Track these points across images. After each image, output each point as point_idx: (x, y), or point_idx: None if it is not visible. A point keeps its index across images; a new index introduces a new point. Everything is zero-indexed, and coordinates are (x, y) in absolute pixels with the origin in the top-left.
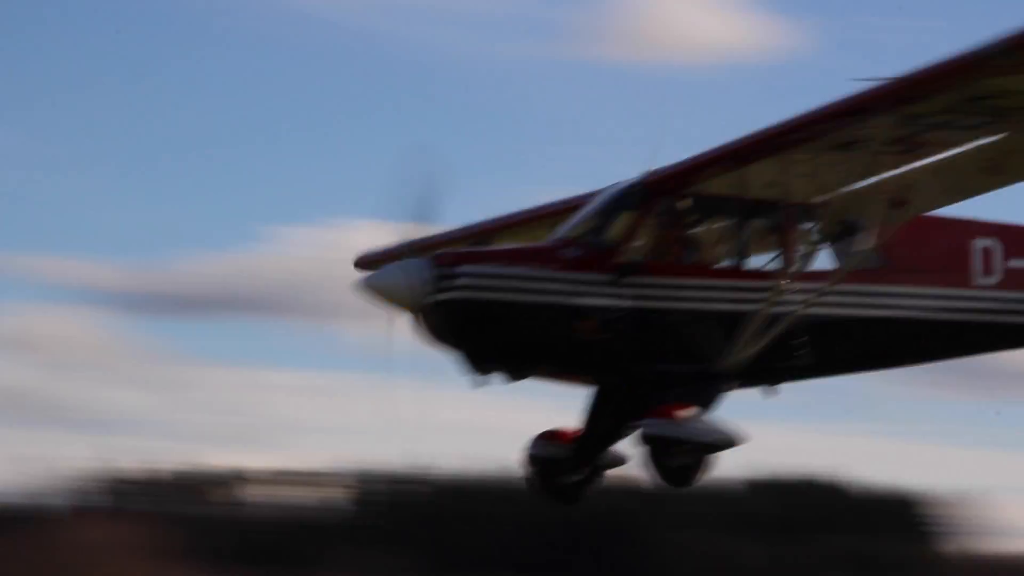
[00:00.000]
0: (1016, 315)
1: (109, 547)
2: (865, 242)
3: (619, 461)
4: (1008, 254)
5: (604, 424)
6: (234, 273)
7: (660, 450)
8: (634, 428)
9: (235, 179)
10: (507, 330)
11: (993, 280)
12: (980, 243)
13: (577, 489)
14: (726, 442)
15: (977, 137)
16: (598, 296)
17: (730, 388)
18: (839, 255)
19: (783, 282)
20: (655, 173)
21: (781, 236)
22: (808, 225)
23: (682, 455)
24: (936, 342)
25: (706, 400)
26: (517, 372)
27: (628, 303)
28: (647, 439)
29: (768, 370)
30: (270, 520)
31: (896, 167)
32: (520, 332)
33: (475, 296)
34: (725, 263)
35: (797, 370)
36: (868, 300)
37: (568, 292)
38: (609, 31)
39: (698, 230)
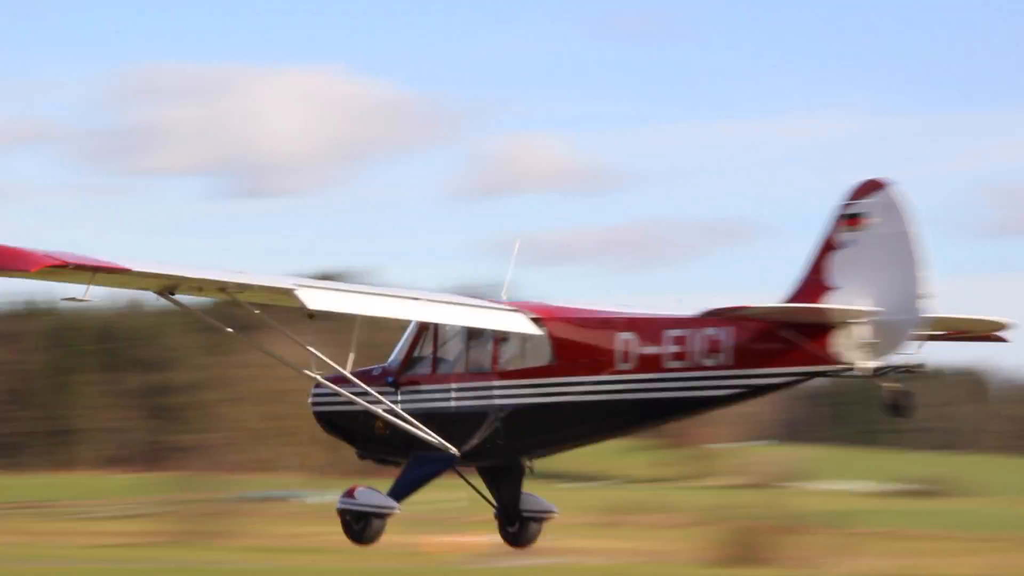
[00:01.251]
0: (647, 392)
1: None
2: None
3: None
4: (641, 343)
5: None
6: None
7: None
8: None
9: None
10: (338, 430)
11: (629, 365)
12: (622, 336)
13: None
14: (380, 512)
15: None
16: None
17: (458, 467)
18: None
19: (491, 383)
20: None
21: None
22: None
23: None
24: (599, 420)
25: (425, 479)
26: (368, 456)
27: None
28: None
29: (478, 453)
30: None
31: None
32: (344, 431)
33: (315, 409)
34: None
35: (501, 451)
36: (546, 390)
37: (369, 401)
38: None
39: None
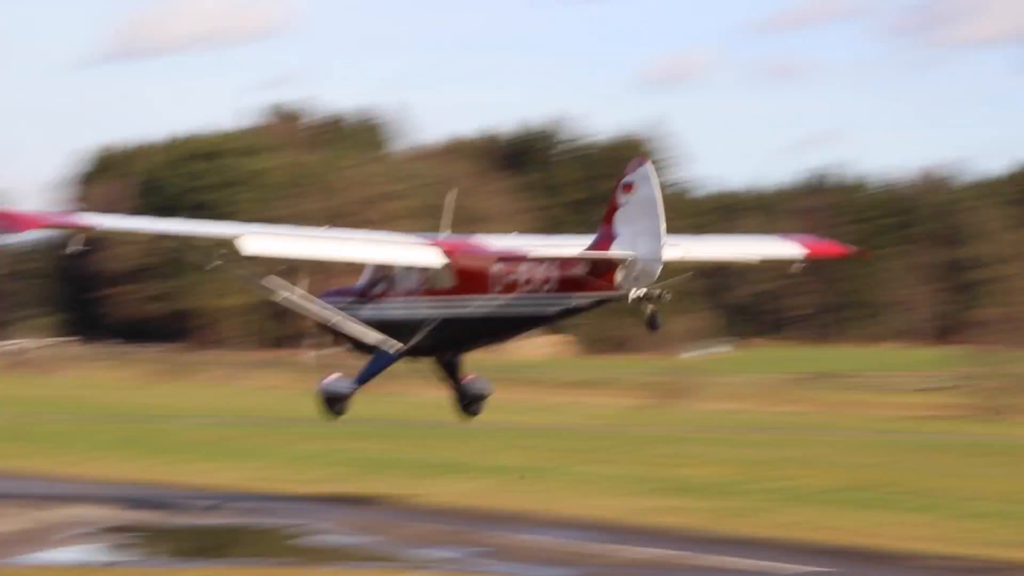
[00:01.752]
0: (507, 309)
1: None
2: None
3: None
4: (506, 273)
5: None
6: None
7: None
8: None
9: None
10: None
11: (499, 289)
12: (496, 267)
13: None
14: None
15: None
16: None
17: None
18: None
19: (417, 300)
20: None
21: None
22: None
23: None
24: (480, 329)
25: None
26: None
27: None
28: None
29: (412, 351)
30: None
31: None
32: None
33: None
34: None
35: (426, 350)
36: (447, 306)
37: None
38: None
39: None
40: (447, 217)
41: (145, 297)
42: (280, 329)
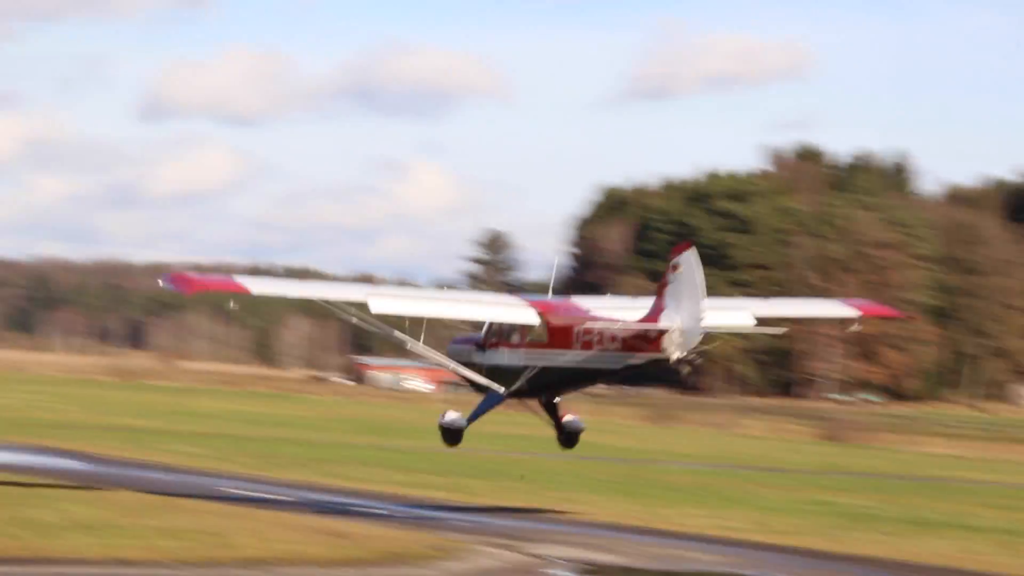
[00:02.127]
0: (586, 363)
1: None
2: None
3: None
4: (584, 333)
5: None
6: None
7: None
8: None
9: None
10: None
11: (578, 346)
12: (577, 328)
13: None
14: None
15: None
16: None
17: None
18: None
19: (519, 351)
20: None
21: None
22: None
23: None
24: (567, 377)
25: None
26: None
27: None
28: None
29: (515, 393)
30: None
31: None
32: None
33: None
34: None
35: (527, 392)
36: (543, 357)
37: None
38: None
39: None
40: (554, 277)
41: None
42: (782, 375)
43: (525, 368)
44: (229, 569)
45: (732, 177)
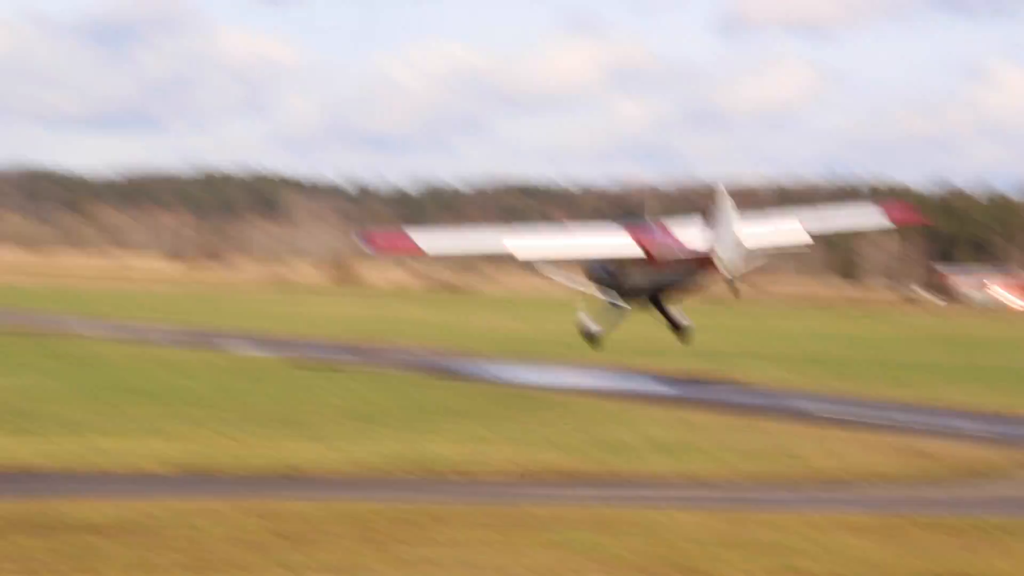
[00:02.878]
0: (671, 277)
1: None
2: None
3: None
4: (671, 254)
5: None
6: None
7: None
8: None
9: None
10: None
11: (666, 266)
12: (663, 252)
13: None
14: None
15: None
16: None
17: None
18: None
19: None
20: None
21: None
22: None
23: None
24: (661, 287)
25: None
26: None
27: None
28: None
29: (630, 299)
30: None
31: None
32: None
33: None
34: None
35: (636, 298)
36: (644, 272)
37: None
38: None
39: None
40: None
41: None
42: None
43: (637, 282)
44: (806, 489)
45: None
